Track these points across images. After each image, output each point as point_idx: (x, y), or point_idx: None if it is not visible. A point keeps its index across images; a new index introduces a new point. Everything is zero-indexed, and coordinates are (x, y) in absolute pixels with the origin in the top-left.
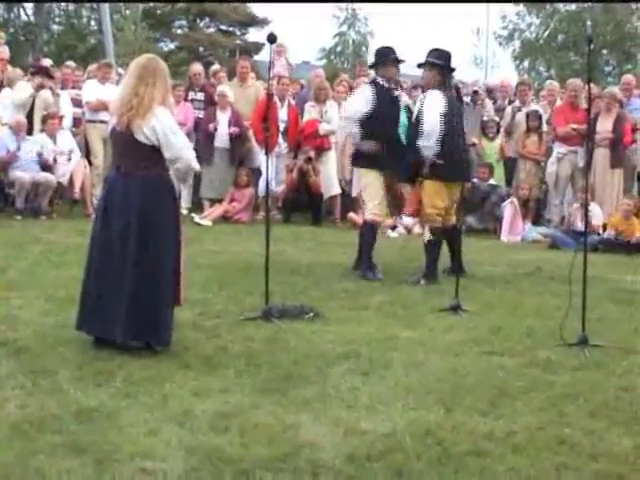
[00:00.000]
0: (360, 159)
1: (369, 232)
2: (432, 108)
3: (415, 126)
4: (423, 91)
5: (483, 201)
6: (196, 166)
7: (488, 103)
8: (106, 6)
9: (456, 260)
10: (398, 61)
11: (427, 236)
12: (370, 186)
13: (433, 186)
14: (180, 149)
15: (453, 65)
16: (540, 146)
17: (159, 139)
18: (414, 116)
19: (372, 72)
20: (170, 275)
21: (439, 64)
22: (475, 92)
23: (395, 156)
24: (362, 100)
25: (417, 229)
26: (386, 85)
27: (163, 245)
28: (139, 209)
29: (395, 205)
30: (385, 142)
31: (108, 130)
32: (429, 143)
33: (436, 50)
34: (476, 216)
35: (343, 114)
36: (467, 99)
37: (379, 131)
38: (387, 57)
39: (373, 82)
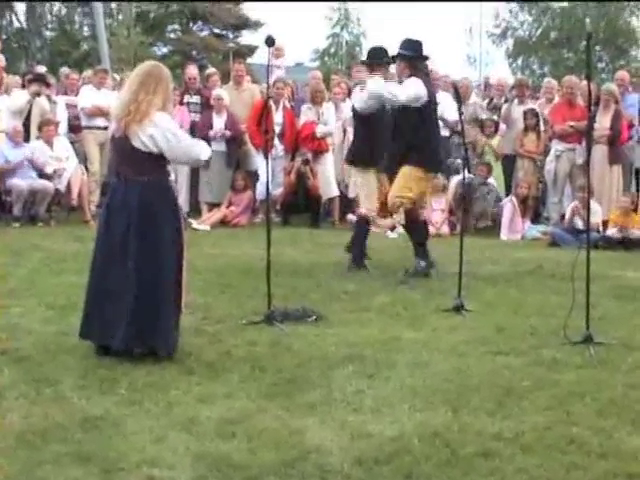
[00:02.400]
0: (355, 159)
1: (361, 225)
2: (414, 82)
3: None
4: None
5: (482, 199)
6: (207, 153)
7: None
8: (100, 11)
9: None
10: (389, 63)
11: (401, 219)
12: (365, 185)
13: (408, 173)
14: (186, 153)
15: (425, 53)
16: (538, 144)
17: (160, 146)
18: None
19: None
20: (172, 281)
21: (408, 55)
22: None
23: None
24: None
25: None
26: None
27: (164, 251)
28: (139, 215)
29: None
30: (380, 142)
31: (107, 136)
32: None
33: (406, 41)
34: (474, 215)
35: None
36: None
37: (373, 130)
38: (380, 60)
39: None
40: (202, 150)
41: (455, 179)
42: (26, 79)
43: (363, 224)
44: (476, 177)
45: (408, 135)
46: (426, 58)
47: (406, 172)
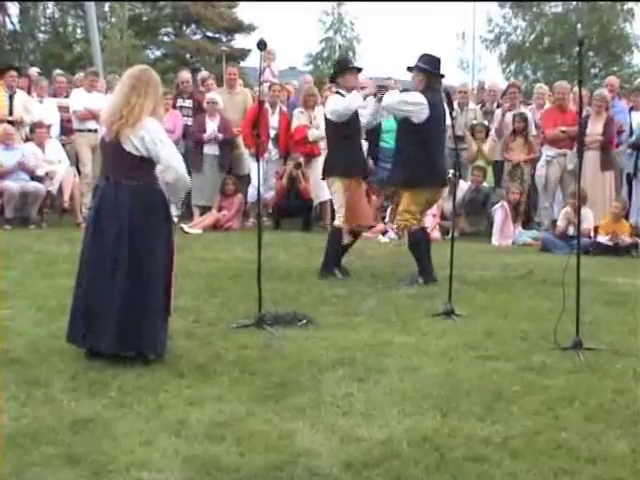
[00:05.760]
0: (332, 168)
1: (336, 238)
2: (413, 94)
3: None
4: None
5: (484, 205)
6: (186, 177)
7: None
8: (93, 14)
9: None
10: (357, 70)
11: (408, 242)
12: (340, 193)
13: (411, 193)
14: (168, 159)
15: (442, 72)
16: (525, 148)
17: (148, 149)
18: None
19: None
20: (162, 285)
21: (426, 69)
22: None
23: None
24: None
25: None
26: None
27: (155, 255)
28: (130, 219)
29: (365, 214)
30: (354, 149)
31: (98, 139)
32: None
33: (426, 55)
34: (470, 219)
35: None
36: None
37: (349, 138)
38: (345, 66)
39: (337, 93)
40: (181, 165)
41: (463, 185)
42: None
43: (336, 238)
44: (482, 186)
45: (410, 151)
46: (442, 76)
47: (407, 195)
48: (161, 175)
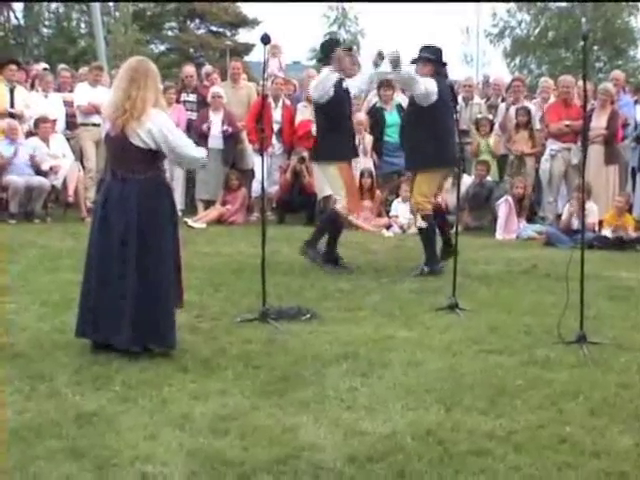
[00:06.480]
0: (325, 152)
1: (334, 222)
2: (430, 80)
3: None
4: None
5: (488, 199)
6: (202, 160)
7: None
8: (97, 8)
9: (447, 240)
10: (348, 49)
11: (420, 224)
12: (337, 178)
13: (425, 175)
14: (181, 148)
15: (445, 60)
16: (528, 142)
17: (157, 141)
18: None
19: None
20: (172, 277)
21: (432, 59)
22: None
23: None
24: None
25: (412, 230)
26: (338, 76)
27: (163, 247)
28: (137, 212)
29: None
30: (345, 132)
31: (102, 134)
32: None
33: (428, 47)
34: (474, 214)
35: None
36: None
37: (339, 121)
38: (332, 50)
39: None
40: (198, 150)
41: (467, 180)
42: None
43: (334, 222)
44: (487, 180)
45: (420, 133)
46: (445, 64)
47: (421, 178)
48: (176, 164)
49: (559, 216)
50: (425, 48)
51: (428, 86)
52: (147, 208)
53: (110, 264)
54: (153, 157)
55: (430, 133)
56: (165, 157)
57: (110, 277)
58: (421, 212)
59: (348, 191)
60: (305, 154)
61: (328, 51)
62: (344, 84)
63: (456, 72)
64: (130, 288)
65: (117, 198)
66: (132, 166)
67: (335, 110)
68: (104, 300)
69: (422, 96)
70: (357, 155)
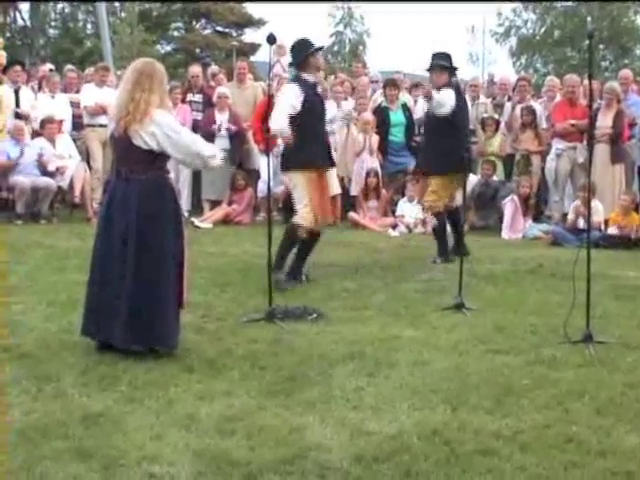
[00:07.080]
0: (291, 160)
1: (294, 236)
2: (449, 94)
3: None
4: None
5: (493, 198)
6: (213, 161)
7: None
8: (103, 9)
9: (460, 240)
10: (318, 49)
11: (433, 223)
12: (300, 188)
13: (441, 178)
14: (188, 147)
15: (455, 65)
16: (534, 141)
17: (161, 143)
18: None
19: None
20: (173, 278)
21: (447, 66)
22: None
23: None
24: (293, 97)
25: (418, 229)
26: (310, 80)
27: (164, 248)
28: (138, 213)
29: (324, 208)
30: (316, 138)
31: (108, 134)
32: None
33: (441, 54)
34: (479, 213)
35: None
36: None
37: (310, 128)
38: (306, 51)
39: (297, 79)
40: (206, 147)
41: (473, 179)
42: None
43: (293, 235)
44: (493, 180)
45: (437, 142)
46: (456, 69)
47: (433, 182)
48: (184, 164)
49: (565, 215)
50: (437, 55)
51: (449, 102)
52: (147, 208)
53: (111, 264)
54: (155, 158)
55: (452, 139)
56: (169, 158)
57: (111, 277)
58: (432, 210)
59: (314, 202)
60: None
61: (302, 55)
62: (318, 88)
63: (462, 71)
64: (128, 288)
65: (120, 198)
66: (134, 166)
67: (305, 117)
68: (104, 300)
69: (443, 112)
70: (332, 165)
